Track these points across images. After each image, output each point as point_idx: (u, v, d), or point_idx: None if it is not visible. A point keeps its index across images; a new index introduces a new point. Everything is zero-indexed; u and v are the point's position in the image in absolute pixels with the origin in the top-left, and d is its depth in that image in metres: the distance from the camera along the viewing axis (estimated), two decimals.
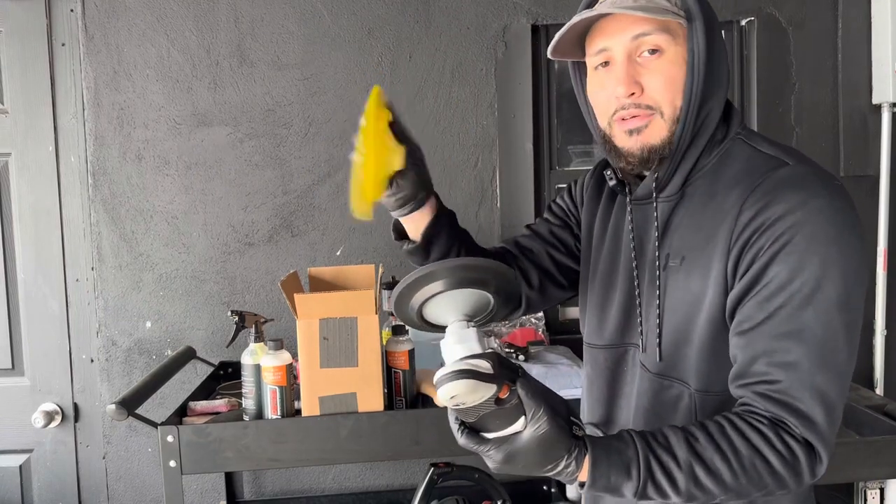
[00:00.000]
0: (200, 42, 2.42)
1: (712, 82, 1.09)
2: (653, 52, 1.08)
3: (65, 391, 2.46)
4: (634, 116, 1.10)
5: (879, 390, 2.54)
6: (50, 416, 2.43)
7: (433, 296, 1.03)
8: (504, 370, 0.95)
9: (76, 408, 2.47)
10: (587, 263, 1.33)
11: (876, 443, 1.86)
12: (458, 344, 1.01)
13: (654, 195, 1.16)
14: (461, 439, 0.98)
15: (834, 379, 0.98)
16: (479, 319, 1.09)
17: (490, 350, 0.99)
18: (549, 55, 1.19)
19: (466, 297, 1.04)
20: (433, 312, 1.06)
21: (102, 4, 2.39)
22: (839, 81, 2.55)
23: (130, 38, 2.40)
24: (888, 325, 2.55)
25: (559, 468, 0.95)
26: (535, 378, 0.99)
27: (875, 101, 2.53)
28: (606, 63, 1.12)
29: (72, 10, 2.40)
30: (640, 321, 1.19)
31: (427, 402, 1.93)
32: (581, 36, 1.15)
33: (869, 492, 2.03)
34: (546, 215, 1.43)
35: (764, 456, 0.96)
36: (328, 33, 2.44)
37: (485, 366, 0.94)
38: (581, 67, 1.22)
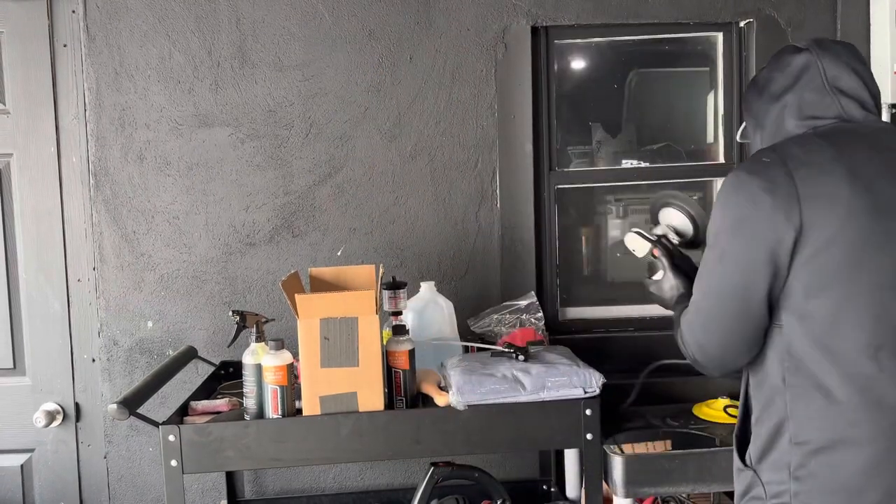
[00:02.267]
0: (202, 43, 2.43)
1: (757, 141, 1.60)
2: None
3: (66, 391, 2.47)
4: None
5: None
6: (51, 416, 2.43)
7: (671, 204, 1.90)
8: (657, 243, 1.83)
9: (77, 407, 2.48)
10: None
11: None
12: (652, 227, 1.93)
13: None
14: (645, 280, 1.81)
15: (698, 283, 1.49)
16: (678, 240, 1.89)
17: (659, 235, 1.88)
18: None
19: (680, 218, 1.88)
20: (664, 213, 1.91)
21: (104, 5, 2.40)
22: None
23: (132, 39, 2.41)
24: None
25: (672, 300, 1.71)
26: (682, 261, 1.79)
27: None
28: None
29: (73, 11, 2.41)
30: None
31: (427, 401, 1.93)
32: None
33: None
34: None
35: None
36: (329, 35, 2.45)
37: (650, 236, 1.86)
38: None
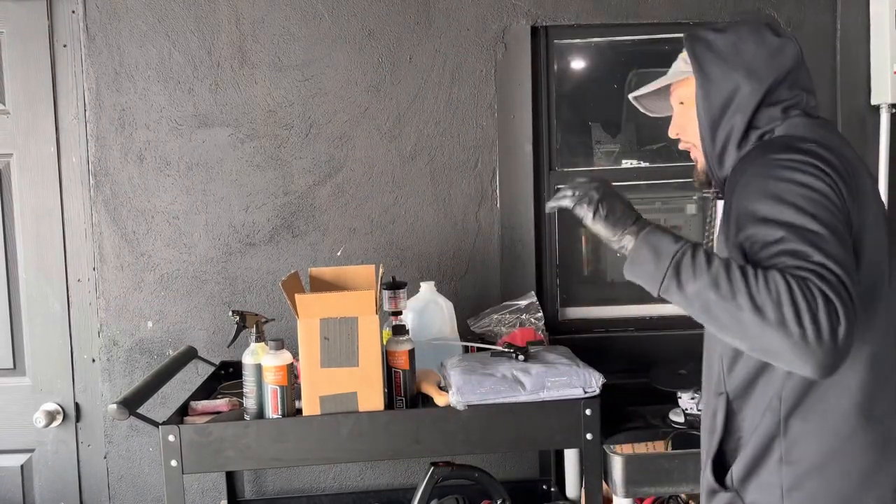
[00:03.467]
0: (202, 43, 2.43)
1: (715, 113, 1.42)
2: (681, 103, 1.51)
3: (66, 391, 2.47)
4: (688, 151, 1.54)
5: None
6: (51, 416, 2.44)
7: None
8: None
9: (77, 407, 2.48)
10: None
11: None
12: None
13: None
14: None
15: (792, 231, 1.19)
16: None
17: None
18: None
19: None
20: None
21: (104, 6, 2.40)
22: (838, 82, 2.55)
23: (132, 39, 2.41)
24: None
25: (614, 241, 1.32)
26: None
27: (874, 101, 2.54)
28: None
29: (73, 12, 2.41)
30: None
31: (427, 401, 1.93)
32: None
33: None
34: None
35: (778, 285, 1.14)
36: (329, 35, 2.45)
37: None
38: None
